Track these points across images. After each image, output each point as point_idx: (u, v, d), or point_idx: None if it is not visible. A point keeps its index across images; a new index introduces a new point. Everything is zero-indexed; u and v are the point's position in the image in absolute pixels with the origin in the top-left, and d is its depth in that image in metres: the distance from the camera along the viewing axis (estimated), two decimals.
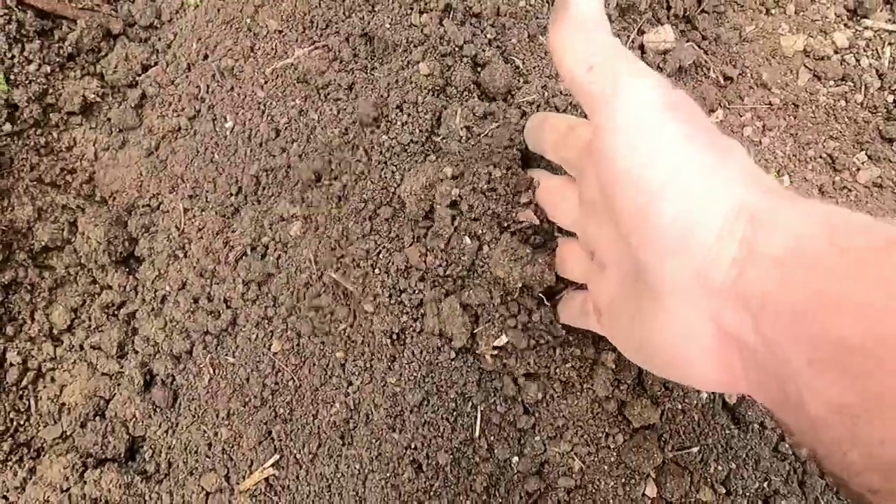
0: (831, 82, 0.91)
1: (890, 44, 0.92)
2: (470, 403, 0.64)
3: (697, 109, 0.43)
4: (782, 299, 0.34)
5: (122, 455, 0.81)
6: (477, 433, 0.63)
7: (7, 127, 0.89)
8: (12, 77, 0.90)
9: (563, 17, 0.45)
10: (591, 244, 0.55)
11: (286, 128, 0.81)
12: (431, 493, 0.62)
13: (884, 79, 0.90)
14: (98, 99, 0.96)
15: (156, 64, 0.98)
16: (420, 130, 0.71)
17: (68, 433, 0.84)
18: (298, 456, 0.69)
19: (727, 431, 0.66)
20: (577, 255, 0.60)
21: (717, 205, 0.38)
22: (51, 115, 0.93)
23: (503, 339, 0.61)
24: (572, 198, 0.58)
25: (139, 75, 0.97)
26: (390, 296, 0.67)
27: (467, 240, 0.65)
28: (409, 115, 0.71)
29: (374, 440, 0.65)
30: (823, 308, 0.32)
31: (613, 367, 0.64)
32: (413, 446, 0.63)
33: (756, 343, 0.36)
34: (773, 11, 0.95)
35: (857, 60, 0.92)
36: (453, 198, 0.65)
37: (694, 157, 0.39)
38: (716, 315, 0.39)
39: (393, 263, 0.68)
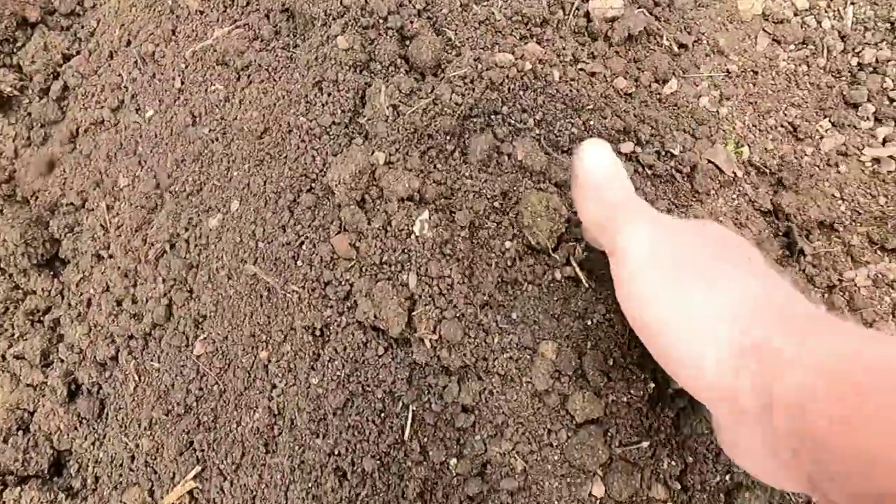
0: (791, 46, 0.86)
1: (852, 3, 0.87)
2: (400, 403, 0.59)
3: (693, 239, 0.47)
4: (817, 456, 0.35)
5: (46, 471, 0.76)
6: (407, 435, 0.58)
7: None
8: None
9: (575, 182, 0.53)
10: None
11: (205, 114, 0.75)
12: (357, 502, 0.57)
13: (846, 41, 0.85)
14: (16, 92, 0.90)
15: (78, 53, 0.92)
16: (342, 111, 0.66)
17: None
18: (221, 466, 0.64)
19: (681, 423, 0.61)
20: None
21: (710, 346, 0.41)
22: None
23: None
24: None
25: (60, 66, 0.92)
26: (313, 289, 0.62)
27: (417, 227, 0.61)
28: (329, 94, 0.66)
29: (296, 447, 0.60)
30: (860, 467, 0.33)
31: (553, 357, 0.59)
32: (336, 452, 0.58)
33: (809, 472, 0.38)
34: None
35: (819, 22, 0.87)
36: (399, 193, 0.60)
37: (680, 300, 0.43)
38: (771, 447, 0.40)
39: (317, 254, 0.62)
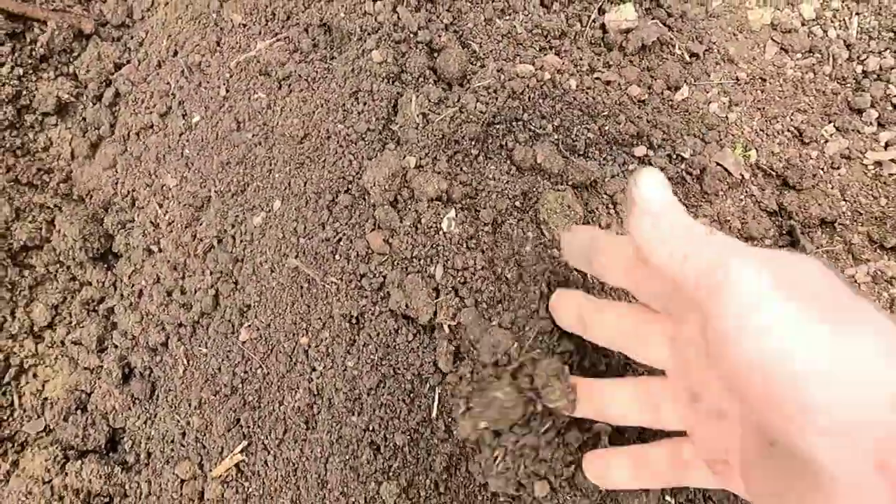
0: (798, 55, 0.90)
1: (857, 14, 0.91)
2: (427, 384, 0.65)
3: (816, 276, 0.40)
4: None
5: (103, 447, 0.83)
6: (434, 414, 0.64)
7: None
8: None
9: (635, 212, 0.44)
10: (696, 386, 0.48)
11: (248, 120, 0.82)
12: (390, 474, 0.63)
13: (851, 49, 0.89)
14: (72, 99, 0.97)
15: (128, 62, 1.00)
16: (376, 119, 0.72)
17: (51, 427, 0.86)
18: (266, 442, 0.71)
19: None
20: (673, 395, 0.52)
21: (874, 388, 0.35)
22: (25, 116, 0.95)
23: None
24: (659, 331, 0.51)
25: (112, 74, 0.99)
26: (350, 281, 0.68)
27: (445, 224, 0.67)
28: (364, 103, 0.72)
29: (334, 424, 0.66)
30: None
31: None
32: (371, 428, 0.65)
33: None
34: None
35: (825, 32, 0.91)
36: (429, 194, 0.66)
37: (825, 338, 0.37)
38: None
39: (353, 249, 0.69)
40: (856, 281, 0.79)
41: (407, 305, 0.65)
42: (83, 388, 0.87)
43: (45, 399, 0.87)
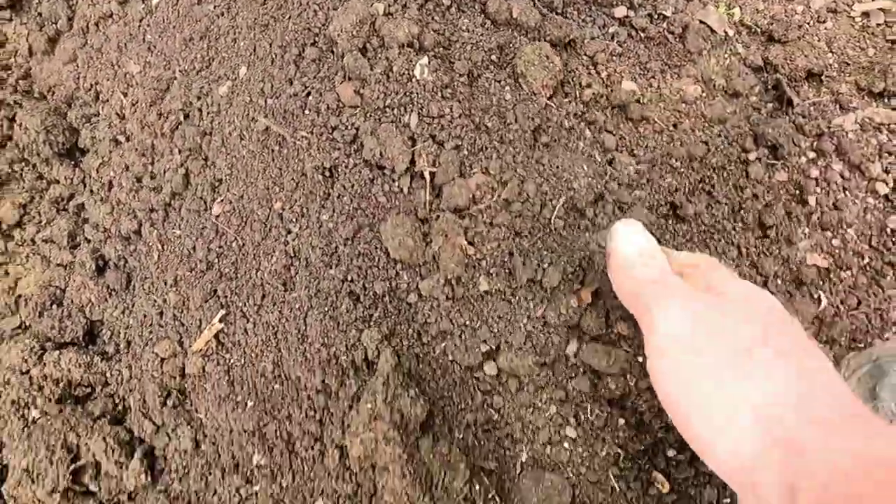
0: None
1: None
2: None
3: (735, 320, 0.46)
4: None
5: (81, 338, 0.81)
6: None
7: None
8: None
9: (609, 260, 0.55)
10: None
11: None
12: (371, 322, 0.62)
13: None
14: None
15: None
16: None
17: (27, 323, 0.83)
18: (244, 309, 0.69)
19: None
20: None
21: (734, 435, 0.42)
22: None
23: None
24: None
25: None
26: (321, 134, 0.65)
27: (418, 69, 0.64)
28: None
29: (312, 280, 0.64)
30: None
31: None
32: (349, 279, 0.63)
33: None
34: None
35: None
36: (400, 40, 0.63)
37: (708, 385, 0.44)
38: None
39: (323, 102, 0.66)
40: (844, 130, 0.77)
41: (381, 154, 0.63)
42: (57, 283, 0.85)
43: (19, 296, 0.85)
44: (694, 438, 0.45)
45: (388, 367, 0.59)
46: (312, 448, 0.63)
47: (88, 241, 0.85)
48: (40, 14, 0.93)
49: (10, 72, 0.91)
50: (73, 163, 0.89)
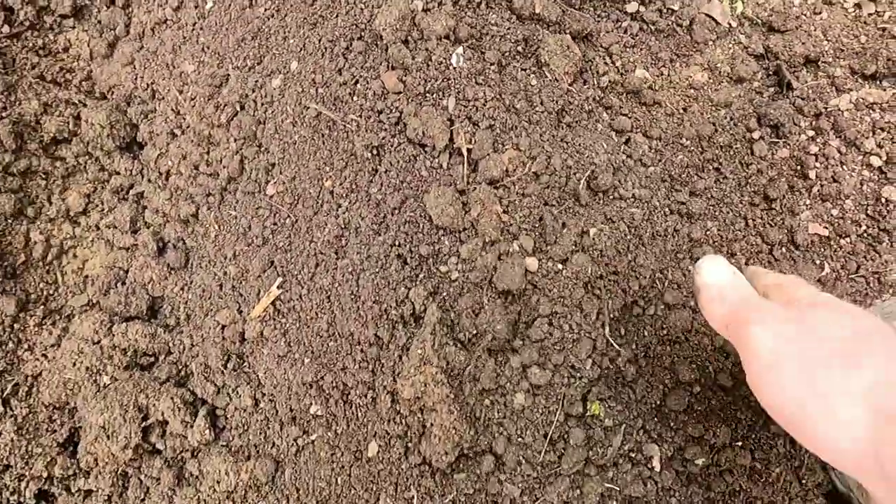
0: None
1: None
2: None
3: (828, 326, 0.50)
4: None
5: (145, 313, 0.89)
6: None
7: (6, 29, 0.95)
8: None
9: (698, 295, 0.58)
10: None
11: None
12: (417, 281, 0.69)
13: None
14: (87, 2, 1.02)
15: None
16: None
17: (94, 301, 0.91)
18: (299, 277, 0.76)
19: None
20: None
21: (856, 421, 0.45)
22: (45, 17, 0.99)
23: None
24: None
25: None
26: (369, 117, 0.73)
27: (454, 58, 0.72)
28: None
29: (363, 247, 0.72)
30: None
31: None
32: (397, 244, 0.70)
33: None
34: None
35: None
36: (438, 32, 0.71)
37: (818, 388, 0.47)
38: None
39: (370, 89, 0.74)
40: (840, 110, 0.84)
41: (423, 134, 0.71)
42: (120, 265, 0.93)
43: (86, 276, 0.93)
44: (813, 439, 0.47)
45: (434, 318, 0.66)
46: (366, 396, 0.70)
47: (148, 226, 0.93)
48: (100, 22, 1.02)
49: (73, 74, 1.00)
50: (132, 155, 0.98)
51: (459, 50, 0.73)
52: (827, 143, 0.83)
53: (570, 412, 0.67)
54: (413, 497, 0.66)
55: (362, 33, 0.76)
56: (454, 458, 0.64)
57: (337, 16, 0.77)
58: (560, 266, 0.69)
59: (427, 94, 0.72)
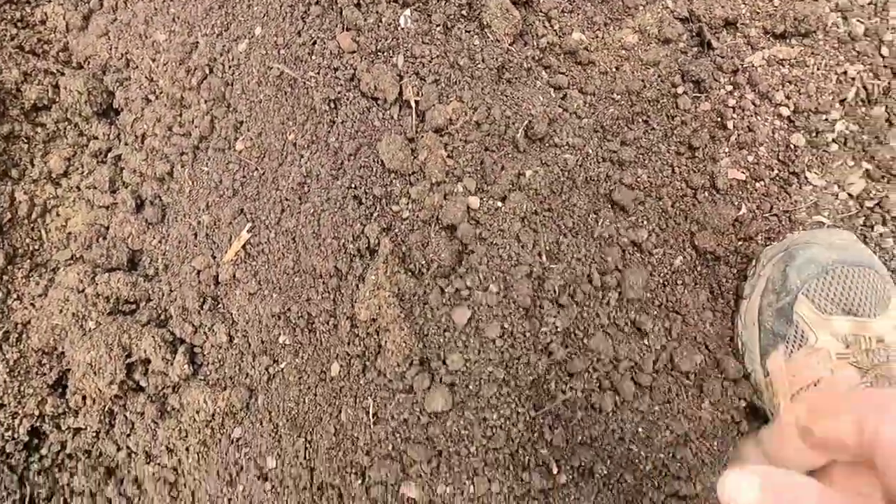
0: None
1: None
2: None
3: None
4: None
5: (125, 264, 0.96)
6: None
7: None
8: None
9: None
10: None
11: None
12: (371, 219, 0.77)
13: None
14: None
15: None
16: None
17: (77, 255, 0.98)
18: (266, 221, 0.84)
19: None
20: None
21: None
22: None
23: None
24: None
25: None
26: (326, 73, 0.81)
27: (402, 19, 0.80)
28: None
29: (322, 191, 0.80)
30: None
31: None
32: (353, 185, 0.78)
33: None
34: None
35: None
36: None
37: None
38: None
39: (327, 49, 0.81)
40: (754, 66, 0.93)
41: (375, 88, 0.79)
42: (101, 222, 1.00)
43: (69, 233, 1.00)
44: None
45: (386, 251, 0.75)
46: (328, 322, 0.79)
47: (126, 185, 1.00)
48: None
49: (50, 45, 1.06)
50: (109, 121, 1.04)
51: (407, 12, 0.81)
52: (743, 97, 0.93)
53: (507, 328, 0.76)
54: (370, 406, 0.75)
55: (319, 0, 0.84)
56: (405, 369, 0.73)
57: None
58: (499, 203, 0.78)
59: (378, 53, 0.80)
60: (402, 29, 0.80)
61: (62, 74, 1.05)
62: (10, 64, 1.01)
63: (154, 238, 0.96)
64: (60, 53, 1.07)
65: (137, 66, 1.03)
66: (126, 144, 1.02)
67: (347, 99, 0.80)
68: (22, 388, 0.92)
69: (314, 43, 0.82)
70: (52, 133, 1.03)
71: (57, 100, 1.04)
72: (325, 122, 0.81)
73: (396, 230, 0.77)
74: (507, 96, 0.83)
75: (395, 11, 0.80)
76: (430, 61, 0.80)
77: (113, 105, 1.04)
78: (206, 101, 0.92)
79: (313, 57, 0.82)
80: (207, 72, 0.92)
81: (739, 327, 0.89)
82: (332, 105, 0.81)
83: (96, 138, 1.04)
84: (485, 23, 0.86)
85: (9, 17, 1.04)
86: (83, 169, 1.03)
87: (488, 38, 0.86)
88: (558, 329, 0.77)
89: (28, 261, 0.97)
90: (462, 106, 0.79)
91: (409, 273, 0.75)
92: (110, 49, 1.05)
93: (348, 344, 0.77)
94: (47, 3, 1.07)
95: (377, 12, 0.80)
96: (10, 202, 0.98)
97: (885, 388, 0.77)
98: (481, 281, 0.75)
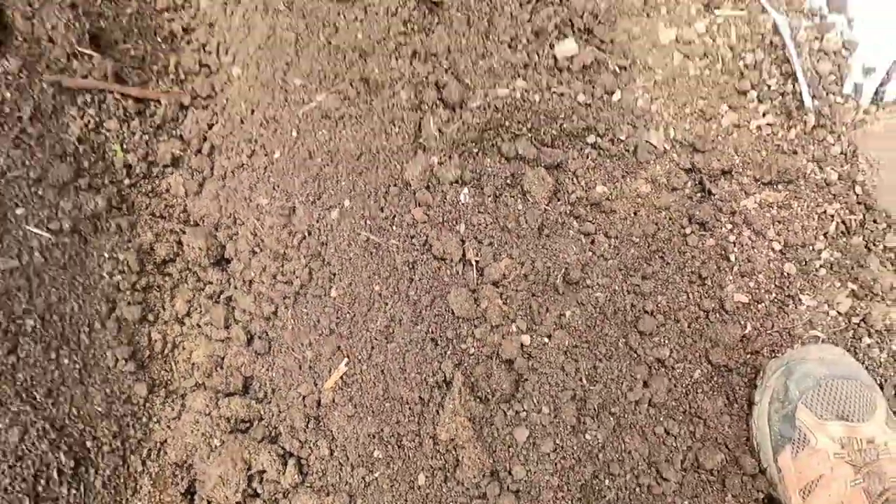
0: (697, 58, 1.26)
1: (735, 25, 1.27)
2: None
3: None
4: None
5: (241, 390, 1.18)
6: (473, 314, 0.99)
7: (127, 181, 1.28)
8: (125, 146, 1.29)
9: None
10: None
11: (317, 150, 1.18)
12: (446, 357, 0.98)
13: (734, 50, 1.26)
14: (181, 153, 1.35)
15: (217, 123, 1.37)
16: (408, 135, 1.09)
17: (200, 382, 1.21)
18: (359, 357, 1.05)
19: None
20: None
21: None
22: (153, 168, 1.32)
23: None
24: None
25: (206, 132, 1.36)
26: (404, 241, 1.04)
27: (462, 196, 1.03)
28: (399, 126, 1.09)
29: (405, 333, 1.01)
30: None
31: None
32: (430, 331, 1.00)
33: None
34: (651, 14, 1.31)
35: (714, 40, 1.27)
36: (449, 179, 1.03)
37: None
38: None
39: (404, 221, 1.05)
40: (748, 208, 1.13)
41: (444, 251, 1.01)
42: (218, 353, 1.22)
43: (193, 364, 1.23)
44: None
45: (459, 382, 0.95)
46: (414, 441, 0.98)
47: (238, 322, 1.23)
48: (191, 167, 1.35)
49: (174, 209, 1.32)
50: (221, 269, 1.29)
51: (465, 190, 1.04)
52: (741, 234, 1.13)
53: (558, 443, 0.95)
54: None
55: (396, 181, 1.07)
56: (479, 479, 0.92)
57: (377, 169, 1.09)
58: (546, 340, 0.98)
59: (444, 223, 1.03)
60: (462, 203, 1.03)
61: (184, 233, 1.30)
62: (145, 228, 1.27)
63: (263, 367, 1.18)
64: (181, 214, 1.33)
65: (244, 224, 1.28)
66: (236, 288, 1.25)
67: (422, 260, 1.03)
68: (161, 497, 1.13)
69: (394, 216, 1.06)
70: (176, 281, 1.28)
71: (181, 253, 1.29)
72: (405, 279, 1.03)
73: (466, 365, 0.98)
74: (546, 249, 1.05)
75: (456, 190, 1.04)
76: (486, 227, 1.02)
77: (225, 255, 1.29)
78: (304, 257, 1.16)
79: (393, 227, 1.05)
80: (306, 234, 1.16)
81: (754, 429, 1.06)
82: (411, 266, 1.04)
83: (211, 283, 1.28)
84: (525, 189, 1.09)
85: (143, 189, 1.30)
86: (202, 309, 1.27)
87: (529, 201, 1.09)
88: (599, 440, 0.96)
89: (163, 389, 1.20)
90: (512, 262, 1.01)
91: (478, 400, 0.95)
92: (221, 210, 1.31)
93: (431, 458, 0.96)
94: (170, 174, 1.34)
95: (442, 191, 1.04)
96: (148, 341, 1.22)
97: (877, 483, 0.93)
98: (535, 405, 0.95)
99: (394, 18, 1.14)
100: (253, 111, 1.32)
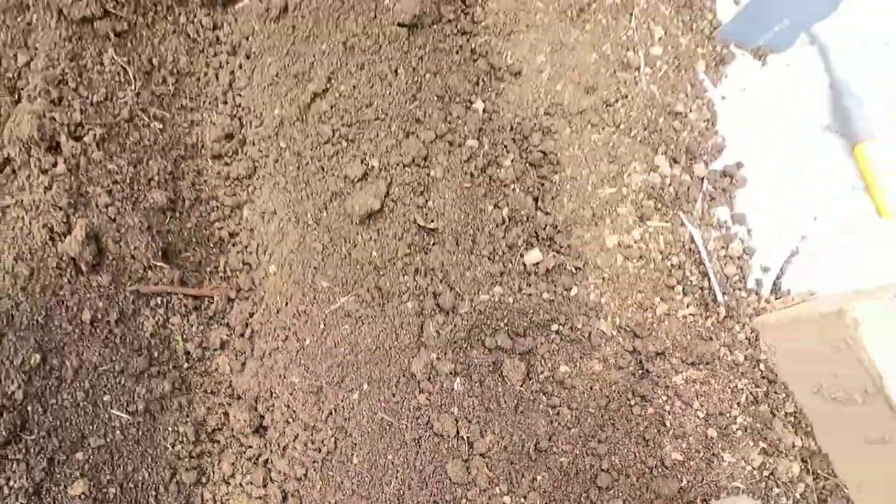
0: (635, 260, 1.63)
1: (662, 234, 1.65)
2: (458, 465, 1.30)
3: None
4: None
5: None
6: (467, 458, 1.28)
7: (186, 365, 1.59)
8: (184, 336, 1.62)
9: None
10: None
11: (339, 343, 1.51)
12: (442, 498, 1.26)
13: (663, 253, 1.62)
14: (227, 338, 1.67)
15: (257, 311, 1.71)
16: (412, 334, 1.42)
17: None
18: None
19: None
20: None
21: None
22: (206, 352, 1.64)
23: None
24: None
25: (249, 320, 1.69)
26: (411, 420, 1.34)
27: (455, 384, 1.34)
28: (405, 328, 1.42)
29: (413, 495, 1.30)
30: None
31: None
32: (432, 493, 1.28)
33: None
34: (598, 223, 1.69)
35: (647, 245, 1.64)
36: (445, 371, 1.36)
37: None
38: None
39: (411, 404, 1.36)
40: (676, 384, 1.46)
41: (442, 429, 1.32)
42: None
43: None
44: None
45: None
46: None
47: (274, 482, 1.51)
48: (235, 349, 1.67)
49: (221, 385, 1.63)
50: (260, 435, 1.58)
51: (458, 380, 1.36)
52: (674, 404, 1.44)
53: None
54: None
55: (405, 373, 1.40)
56: None
57: (389, 363, 1.42)
58: (524, 500, 1.27)
59: (442, 406, 1.34)
60: (456, 391, 1.35)
61: (230, 405, 1.60)
62: (199, 403, 1.57)
63: None
64: (227, 389, 1.63)
65: (279, 398, 1.58)
66: (272, 452, 1.54)
67: (425, 437, 1.33)
68: None
69: (403, 401, 1.37)
70: (223, 446, 1.57)
71: (227, 423, 1.58)
72: (413, 451, 1.33)
73: None
74: (521, 424, 1.36)
75: (450, 380, 1.36)
76: (474, 409, 1.33)
77: (263, 423, 1.58)
78: (331, 429, 1.46)
79: (403, 409, 1.36)
80: (333, 410, 1.47)
81: None
82: (416, 441, 1.34)
83: (252, 447, 1.57)
84: (504, 374, 1.41)
85: (199, 370, 1.62)
86: (243, 470, 1.55)
87: (507, 384, 1.41)
88: None
89: None
90: (495, 437, 1.31)
91: None
92: (259, 385, 1.62)
93: None
94: (219, 356, 1.66)
95: (440, 382, 1.36)
96: (201, 501, 1.49)
97: None
98: None
99: (400, 242, 1.50)
100: (287, 303, 1.66)
